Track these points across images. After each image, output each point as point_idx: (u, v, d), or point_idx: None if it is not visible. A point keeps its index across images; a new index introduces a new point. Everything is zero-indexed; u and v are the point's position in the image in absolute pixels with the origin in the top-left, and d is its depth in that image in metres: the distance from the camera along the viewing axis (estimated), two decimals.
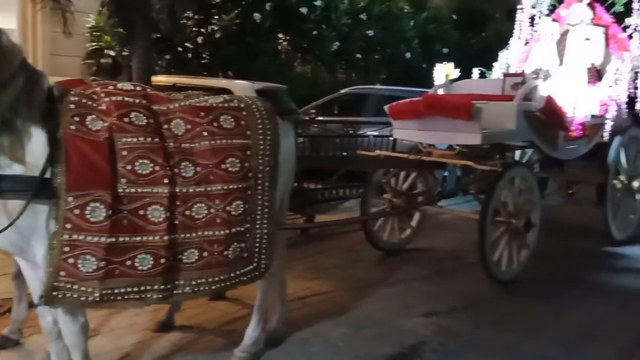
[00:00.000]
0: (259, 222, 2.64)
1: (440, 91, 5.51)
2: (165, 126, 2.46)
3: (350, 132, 7.79)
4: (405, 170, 5.20)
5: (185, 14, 10.82)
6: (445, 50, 14.68)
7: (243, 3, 10.49)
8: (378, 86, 11.43)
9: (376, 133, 6.97)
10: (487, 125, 4.39)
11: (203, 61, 10.82)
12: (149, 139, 2.37)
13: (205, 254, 2.48)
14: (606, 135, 5.49)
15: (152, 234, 2.34)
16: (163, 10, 9.62)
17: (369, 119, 8.32)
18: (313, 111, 9.09)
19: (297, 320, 3.46)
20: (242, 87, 7.60)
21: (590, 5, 5.89)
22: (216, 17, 10.40)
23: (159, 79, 8.04)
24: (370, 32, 12.85)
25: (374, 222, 5.09)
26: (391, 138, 5.80)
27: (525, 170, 4.71)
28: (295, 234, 5.45)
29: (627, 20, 5.68)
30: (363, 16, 12.80)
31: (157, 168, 2.35)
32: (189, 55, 10.75)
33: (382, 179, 5.18)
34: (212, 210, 2.45)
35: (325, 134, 7.14)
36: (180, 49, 10.65)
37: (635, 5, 5.62)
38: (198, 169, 2.44)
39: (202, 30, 10.70)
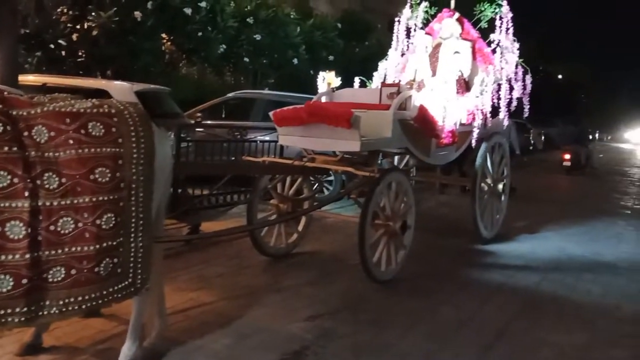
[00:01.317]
0: (133, 235, 2.53)
1: (323, 99, 5.65)
2: (26, 133, 2.28)
3: (238, 136, 7.71)
4: (291, 176, 5.26)
5: (59, 9, 10.14)
6: (331, 57, 15.11)
7: (123, 1, 10.00)
8: (265, 91, 11.46)
9: (267, 138, 6.97)
10: (365, 133, 4.59)
11: (79, 60, 10.20)
12: (6, 148, 2.18)
13: (73, 271, 2.33)
14: (474, 142, 5.94)
15: (11, 253, 2.17)
16: (31, 3, 8.93)
17: (256, 124, 8.31)
18: (199, 114, 8.92)
19: (179, 333, 3.35)
20: (120, 89, 7.25)
21: (459, 20, 6.32)
22: (93, 13, 9.81)
23: (27, 79, 7.43)
24: (258, 37, 12.86)
25: (261, 228, 5.10)
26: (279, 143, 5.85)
27: (401, 175, 4.95)
28: (178, 243, 5.30)
29: (492, 36, 6.13)
30: (250, 20, 12.79)
31: (16, 180, 2.17)
32: (63, 53, 10.07)
33: (268, 184, 5.21)
34: (80, 225, 2.31)
35: (211, 138, 7.01)
36: (52, 46, 9.93)
37: (497, 23, 6.11)
38: (63, 180, 2.29)
39: (78, 27, 10.08)
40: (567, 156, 16.04)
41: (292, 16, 14.31)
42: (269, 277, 4.73)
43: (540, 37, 34.40)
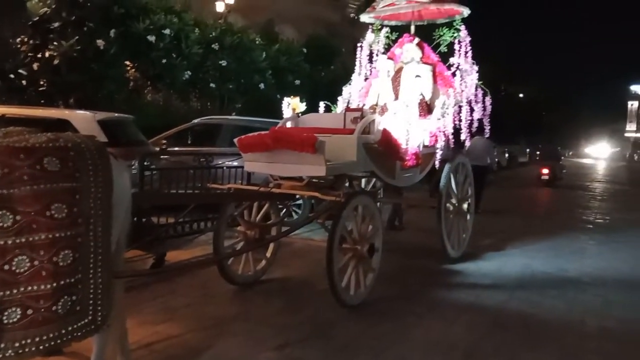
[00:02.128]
0: (92, 271, 2.46)
1: (288, 124, 5.67)
2: None
3: (204, 163, 7.64)
4: (258, 202, 5.23)
5: (19, 39, 9.99)
6: (297, 81, 15.25)
7: (85, 29, 9.92)
8: (232, 116, 11.45)
9: (236, 163, 6.93)
10: (331, 158, 4.61)
11: (40, 89, 10.03)
12: None
13: (29, 311, 2.25)
14: (437, 164, 6.02)
15: None
16: None
17: (222, 150, 8.26)
18: (164, 141, 8.82)
19: None
20: (83, 118, 7.15)
21: (419, 45, 6.48)
22: (55, 42, 9.70)
23: None
24: (224, 62, 12.90)
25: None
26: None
27: (367, 198, 4.95)
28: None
29: (451, 60, 6.29)
30: (215, 46, 12.83)
31: None
32: (24, 82, 9.89)
33: (234, 211, 5.16)
34: (36, 263, 2.25)
35: (176, 166, 6.94)
36: (12, 75, 9.75)
37: (457, 47, 6.29)
38: (18, 217, 2.23)
39: (39, 55, 9.94)
40: (546, 170, 18.28)
41: (257, 42, 14.43)
42: (237, 306, 4.66)
43: (502, 58, 35.44)
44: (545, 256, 7.05)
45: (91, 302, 2.47)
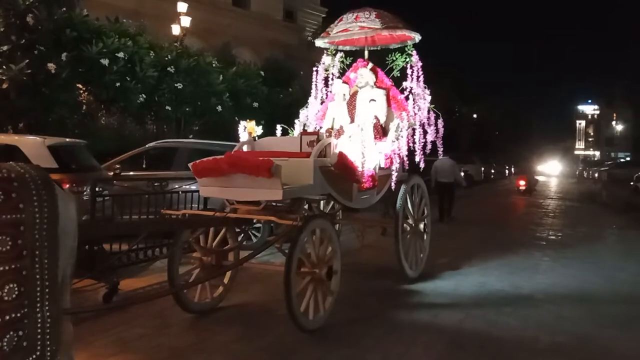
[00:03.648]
0: (39, 305, 2.37)
1: (245, 148, 5.65)
2: None
3: (158, 188, 7.51)
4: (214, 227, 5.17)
5: None
6: (255, 104, 15.26)
7: (35, 52, 9.68)
8: (188, 139, 11.34)
9: (194, 187, 6.83)
10: (287, 181, 4.61)
11: None
12: None
13: None
14: (393, 185, 6.11)
15: None
16: None
17: (178, 174, 8.16)
18: (118, 166, 8.64)
19: None
20: (32, 144, 6.96)
21: (373, 70, 6.60)
22: (4, 66, 9.42)
23: None
24: (179, 85, 12.79)
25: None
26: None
27: (324, 221, 4.93)
28: (95, 304, 5.02)
29: (404, 84, 6.40)
30: (171, 69, 12.73)
31: None
32: None
33: (190, 237, 5.08)
34: None
35: (130, 192, 6.80)
36: None
37: (409, 71, 6.41)
38: None
39: None
40: (522, 182, 22.72)
41: (214, 65, 14.39)
42: (193, 335, 4.56)
43: (455, 79, 36.41)
44: (500, 273, 7.20)
45: (39, 337, 2.37)
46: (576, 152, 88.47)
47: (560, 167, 57.25)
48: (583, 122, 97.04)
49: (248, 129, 5.67)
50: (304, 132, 6.02)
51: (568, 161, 66.29)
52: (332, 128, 6.14)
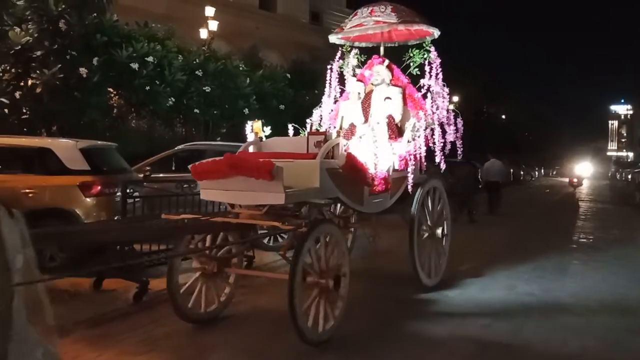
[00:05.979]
0: None
1: (251, 148, 5.42)
2: None
3: (187, 190, 7.62)
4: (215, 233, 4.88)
5: (1, 67, 9.98)
6: (282, 106, 15.35)
7: (67, 57, 9.95)
8: (216, 142, 11.47)
9: None
10: (292, 184, 4.34)
11: (23, 117, 10.00)
12: None
13: None
14: (410, 188, 5.78)
15: None
16: None
17: None
18: (148, 168, 8.81)
19: None
20: (65, 146, 7.12)
21: (389, 67, 6.32)
22: (37, 71, 9.70)
23: None
24: (207, 89, 12.96)
25: (186, 297, 4.72)
26: None
27: (331, 226, 4.63)
28: (126, 303, 5.14)
29: (422, 82, 6.12)
30: (199, 72, 12.91)
31: None
32: (6, 110, 9.85)
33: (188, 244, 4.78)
34: None
35: (159, 193, 6.92)
36: None
37: (427, 68, 6.12)
38: None
39: (21, 84, 9.93)
40: (575, 180, 31.74)
41: (241, 68, 14.53)
42: (218, 334, 4.55)
43: (484, 78, 35.91)
44: (528, 277, 7.07)
45: None
46: (608, 153, 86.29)
47: (592, 168, 55.92)
48: (616, 122, 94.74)
49: (254, 129, 5.43)
50: (311, 132, 5.75)
51: (600, 162, 64.73)
52: (341, 128, 5.90)
